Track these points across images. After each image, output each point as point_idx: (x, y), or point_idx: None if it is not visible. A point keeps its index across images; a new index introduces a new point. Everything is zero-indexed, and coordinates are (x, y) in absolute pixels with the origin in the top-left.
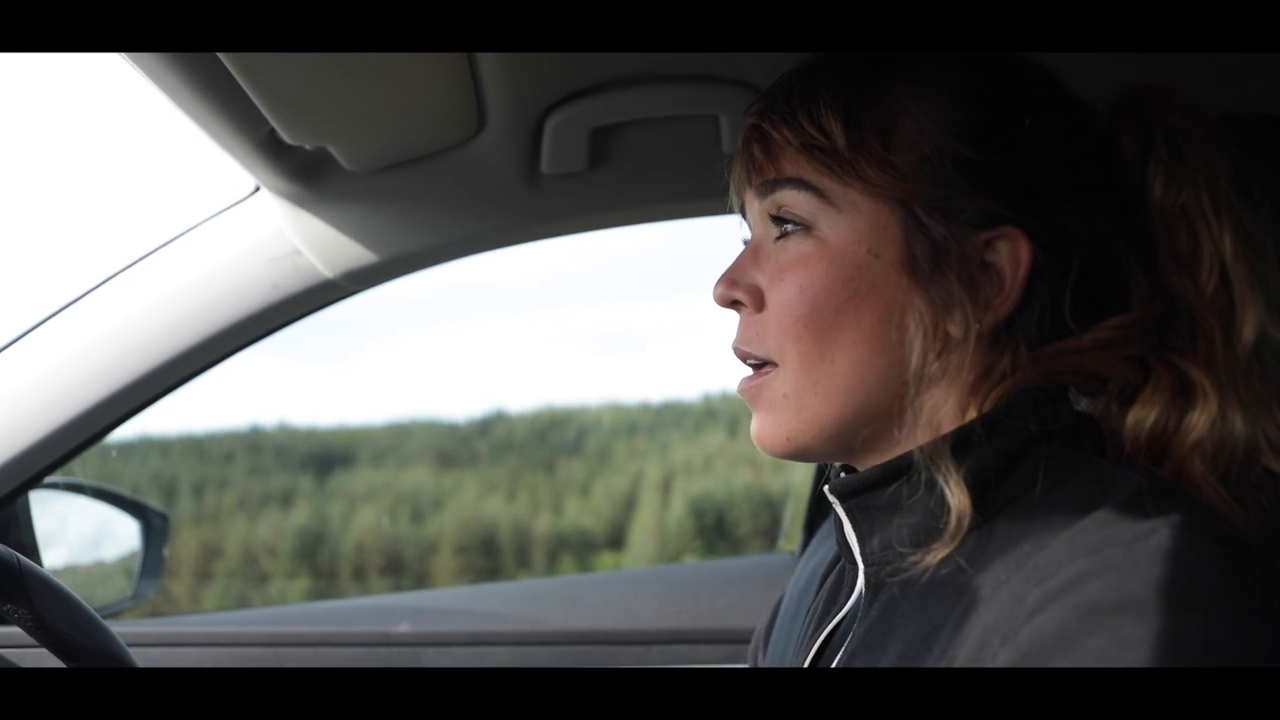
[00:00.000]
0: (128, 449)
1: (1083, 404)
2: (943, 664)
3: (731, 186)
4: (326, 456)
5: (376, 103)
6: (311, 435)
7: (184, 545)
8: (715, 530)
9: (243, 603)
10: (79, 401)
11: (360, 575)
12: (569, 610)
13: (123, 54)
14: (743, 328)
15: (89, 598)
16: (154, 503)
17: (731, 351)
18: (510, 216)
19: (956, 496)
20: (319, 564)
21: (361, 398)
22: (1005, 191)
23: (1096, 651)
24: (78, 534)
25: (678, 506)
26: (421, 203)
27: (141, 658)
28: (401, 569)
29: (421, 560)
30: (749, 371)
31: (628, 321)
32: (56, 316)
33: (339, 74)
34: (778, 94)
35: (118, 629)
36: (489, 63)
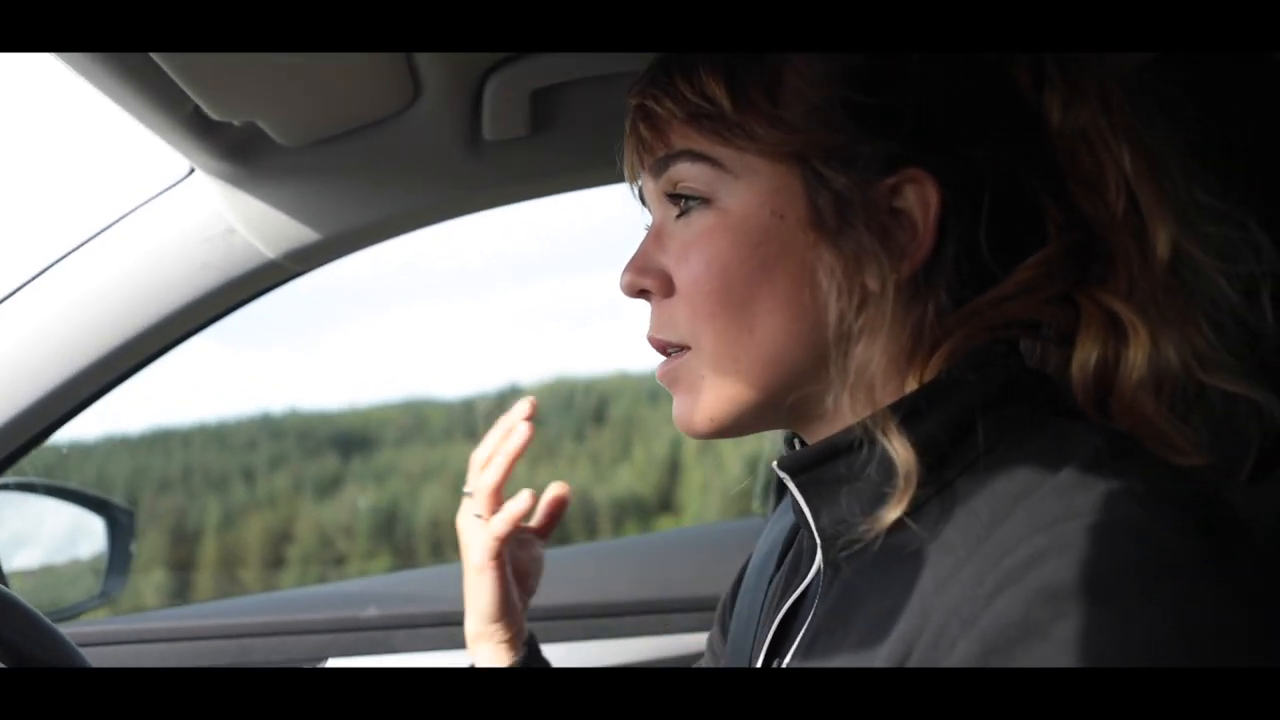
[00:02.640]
0: (148, 441)
1: (1033, 359)
2: (901, 647)
3: (626, 174)
4: (350, 438)
5: (302, 74)
6: (326, 419)
7: (249, 532)
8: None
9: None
10: (18, 400)
11: (438, 551)
12: (544, 585)
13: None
14: (655, 315)
15: (56, 599)
16: (117, 498)
17: (648, 342)
18: (454, 186)
19: (900, 454)
20: (397, 542)
21: (356, 380)
22: (902, 131)
23: (1065, 640)
24: (36, 534)
25: (734, 468)
26: (360, 176)
27: (103, 657)
28: None
29: None
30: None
31: (603, 292)
32: None
33: None
34: (657, 70)
35: (78, 628)
36: None
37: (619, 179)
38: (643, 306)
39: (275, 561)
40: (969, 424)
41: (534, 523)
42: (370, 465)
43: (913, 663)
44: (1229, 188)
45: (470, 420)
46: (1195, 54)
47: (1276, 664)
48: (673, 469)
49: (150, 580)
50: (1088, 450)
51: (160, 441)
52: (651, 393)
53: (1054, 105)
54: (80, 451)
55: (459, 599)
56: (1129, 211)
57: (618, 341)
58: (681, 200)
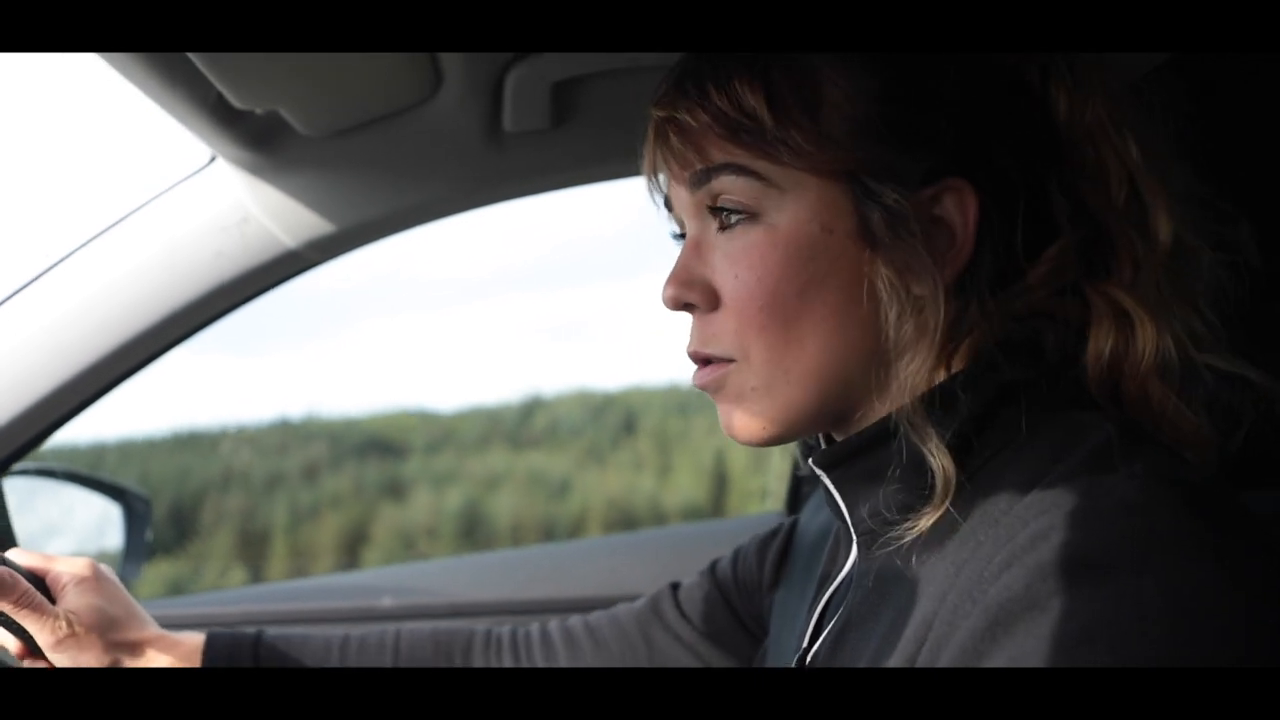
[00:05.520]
0: (178, 443)
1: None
2: (922, 629)
3: (648, 183)
4: (384, 444)
5: (325, 64)
6: (350, 425)
7: (323, 533)
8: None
9: None
10: (37, 387)
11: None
12: (555, 578)
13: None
14: (698, 329)
15: None
16: (134, 485)
17: (687, 356)
18: (474, 177)
19: (939, 459)
20: (479, 543)
21: (372, 386)
22: (942, 144)
23: (1061, 612)
24: (68, 523)
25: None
26: (382, 166)
27: None
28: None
29: (574, 536)
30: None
31: (605, 305)
32: (8, 301)
33: None
34: (684, 78)
35: None
36: None
37: (637, 173)
38: (640, 319)
39: (351, 564)
40: (993, 414)
41: None
42: (430, 468)
43: (929, 643)
44: (1218, 181)
45: (505, 428)
46: (1195, 57)
47: (1270, 647)
48: (721, 478)
49: (232, 580)
50: (1100, 438)
51: (188, 444)
52: (680, 405)
53: (1061, 100)
54: (118, 451)
55: (471, 590)
56: (1130, 201)
57: (628, 355)
58: (723, 213)
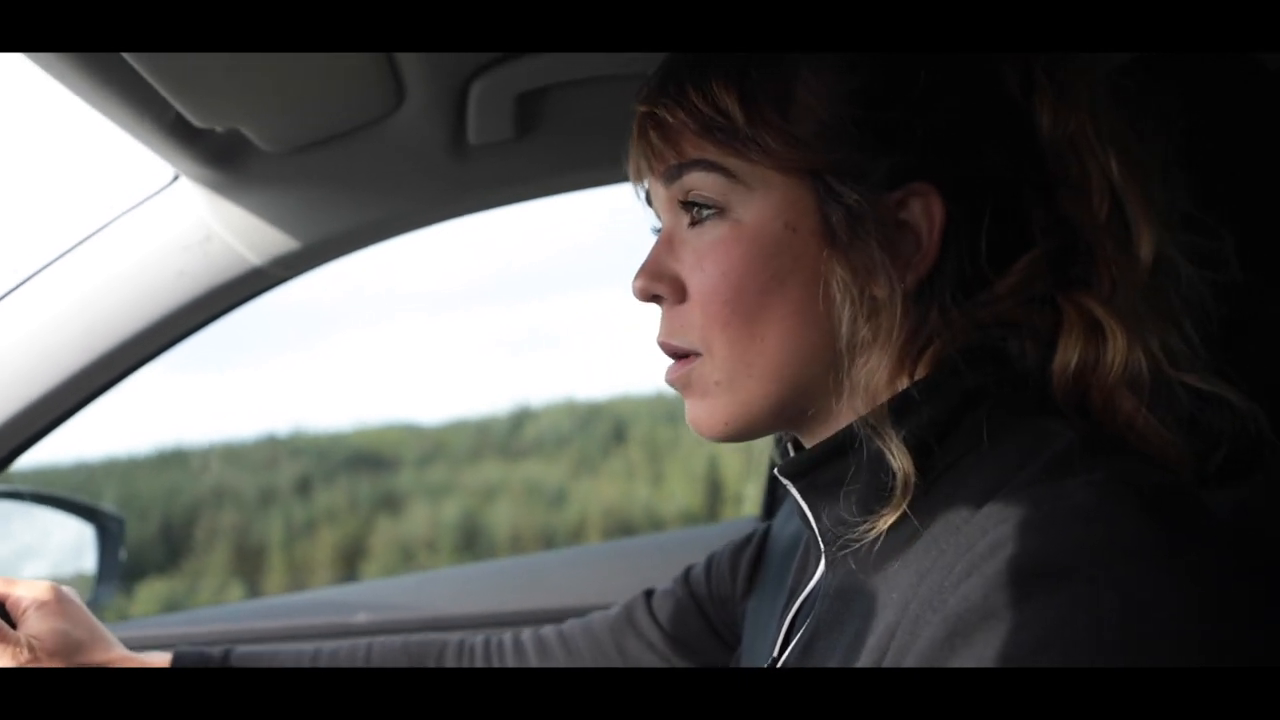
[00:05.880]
0: (163, 462)
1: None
2: (885, 638)
3: (631, 177)
4: (374, 458)
5: (284, 80)
6: (337, 439)
7: (320, 547)
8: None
9: None
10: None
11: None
12: (530, 590)
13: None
14: (666, 320)
15: None
16: (106, 505)
17: (657, 346)
18: (439, 191)
19: (899, 459)
20: (480, 555)
21: (357, 400)
22: (911, 148)
23: (1019, 621)
24: (30, 542)
25: None
26: (346, 182)
27: None
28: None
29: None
30: (671, 362)
31: (588, 314)
32: None
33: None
34: (666, 77)
35: None
36: None
37: (603, 182)
38: (622, 328)
39: (350, 578)
40: (956, 421)
41: None
42: (424, 481)
43: (892, 652)
44: (1205, 194)
45: (495, 439)
46: (1172, 54)
47: (1231, 648)
48: (714, 485)
49: (230, 597)
50: (1062, 445)
51: (173, 462)
52: (669, 414)
53: (1043, 111)
54: (102, 470)
55: (448, 604)
56: (1113, 216)
57: (613, 364)
58: (694, 209)
